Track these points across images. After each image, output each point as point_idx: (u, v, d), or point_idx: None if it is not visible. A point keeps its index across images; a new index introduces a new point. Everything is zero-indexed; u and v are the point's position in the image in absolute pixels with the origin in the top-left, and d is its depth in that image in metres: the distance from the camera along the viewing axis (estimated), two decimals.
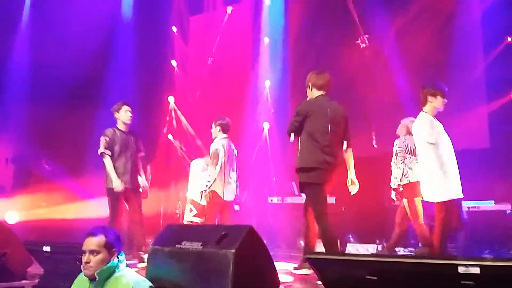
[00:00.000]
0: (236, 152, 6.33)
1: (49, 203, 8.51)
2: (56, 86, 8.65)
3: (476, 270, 2.15)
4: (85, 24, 9.13)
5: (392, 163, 6.04)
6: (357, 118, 7.30)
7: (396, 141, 6.04)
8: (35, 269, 4.41)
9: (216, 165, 5.93)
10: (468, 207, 6.86)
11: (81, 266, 2.94)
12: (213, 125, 6.27)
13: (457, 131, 7.55)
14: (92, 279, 2.95)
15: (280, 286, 3.44)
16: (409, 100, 7.45)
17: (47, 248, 3.78)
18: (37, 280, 4.18)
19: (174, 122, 10.53)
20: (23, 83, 9.20)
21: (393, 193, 6.03)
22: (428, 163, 4.63)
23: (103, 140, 5.69)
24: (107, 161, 5.65)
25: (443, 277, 2.24)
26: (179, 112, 10.64)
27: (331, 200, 8.10)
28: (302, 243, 7.87)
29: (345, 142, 4.79)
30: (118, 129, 5.84)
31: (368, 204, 7.43)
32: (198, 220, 7.21)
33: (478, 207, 7.00)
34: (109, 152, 5.66)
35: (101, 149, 5.66)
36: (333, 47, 8.84)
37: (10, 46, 9.49)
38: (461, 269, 2.17)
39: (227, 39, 10.63)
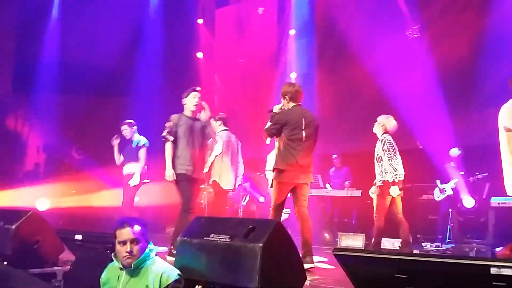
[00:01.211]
0: (239, 143, 6.90)
1: (79, 191, 8.70)
2: (85, 77, 8.82)
3: (509, 272, 2.12)
4: (113, 17, 9.26)
5: (376, 161, 5.97)
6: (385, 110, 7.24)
7: (380, 140, 5.93)
8: (67, 256, 4.52)
9: (210, 155, 6.32)
10: (498, 203, 6.74)
11: (122, 257, 3.00)
12: (212, 121, 6.54)
13: (486, 126, 7.45)
14: (126, 267, 3.03)
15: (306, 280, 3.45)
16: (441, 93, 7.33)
17: (78, 237, 3.87)
18: (68, 267, 4.28)
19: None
20: (54, 74, 9.41)
21: (375, 190, 6.00)
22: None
23: (167, 125, 5.54)
24: (168, 146, 5.50)
25: (474, 278, 2.21)
26: (204, 104, 10.67)
27: (357, 193, 8.08)
28: (327, 235, 7.92)
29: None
30: (185, 115, 5.66)
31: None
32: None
33: (507, 202, 6.86)
34: (171, 138, 5.50)
35: (164, 133, 5.52)
36: (364, 39, 8.72)
37: (41, 38, 9.68)
38: (493, 270, 2.14)
39: (253, 31, 10.60)
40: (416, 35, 8.45)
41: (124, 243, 2.99)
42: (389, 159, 5.77)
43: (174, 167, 5.47)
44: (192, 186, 5.51)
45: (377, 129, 6.05)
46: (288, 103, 5.19)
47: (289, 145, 4.98)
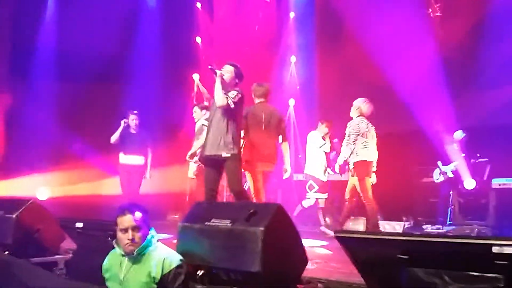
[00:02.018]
0: None
1: (79, 180, 8.69)
2: (83, 64, 8.74)
3: (511, 250, 2.11)
4: (111, 2, 9.16)
5: (343, 143, 6.25)
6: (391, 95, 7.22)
7: (349, 123, 6.17)
8: (68, 244, 4.52)
9: (199, 140, 6.30)
10: (499, 184, 6.74)
11: (124, 244, 3.00)
12: (197, 109, 6.94)
13: (489, 107, 7.42)
14: (128, 254, 3.03)
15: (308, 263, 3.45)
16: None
17: (79, 225, 3.86)
18: (70, 255, 4.29)
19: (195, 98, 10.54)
20: (51, 61, 9.33)
21: (336, 167, 6.50)
22: None
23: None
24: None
25: (476, 257, 2.20)
26: (203, 89, 10.65)
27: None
28: (327, 220, 7.93)
29: (280, 137, 5.77)
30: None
31: (395, 182, 7.36)
32: (322, 196, 7.11)
33: (508, 184, 6.86)
34: None
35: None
36: (364, 20, 8.63)
37: (37, 27, 9.60)
38: (495, 249, 2.14)
39: (252, 14, 10.50)
40: (438, 14, 8.31)
41: (125, 230, 2.99)
42: (347, 143, 6.06)
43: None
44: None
45: (353, 112, 6.22)
46: (254, 99, 5.78)
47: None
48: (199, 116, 6.88)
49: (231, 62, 5.24)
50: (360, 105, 6.16)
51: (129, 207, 3.07)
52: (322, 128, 7.11)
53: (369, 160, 6.00)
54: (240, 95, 4.90)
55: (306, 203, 7.37)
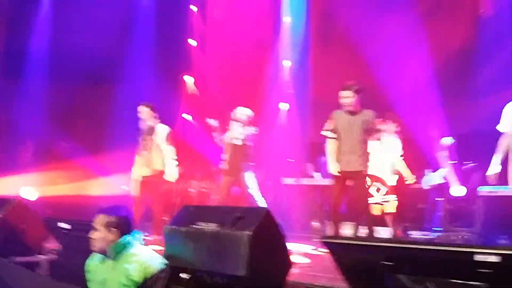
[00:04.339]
0: None
1: (67, 180, 8.63)
2: (75, 65, 8.69)
3: (492, 259, 2.12)
4: (104, 3, 9.12)
5: None
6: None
7: None
8: (52, 244, 4.48)
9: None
10: (487, 192, 6.77)
11: None
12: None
13: (480, 114, 7.46)
14: (104, 254, 3.08)
15: (293, 267, 3.45)
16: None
17: (64, 225, 3.83)
18: (53, 256, 4.25)
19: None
20: (42, 62, 9.27)
21: None
22: None
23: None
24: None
25: (459, 265, 2.21)
26: (196, 91, 10.65)
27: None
28: (316, 224, 7.92)
29: None
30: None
31: None
32: (391, 198, 6.57)
33: (495, 191, 6.89)
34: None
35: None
36: (359, 25, 8.66)
37: (30, 25, 9.54)
38: (477, 257, 2.14)
39: (246, 17, 10.49)
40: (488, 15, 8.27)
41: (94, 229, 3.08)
42: None
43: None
44: None
45: None
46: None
47: None
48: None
49: None
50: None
51: (101, 209, 3.12)
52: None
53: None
54: None
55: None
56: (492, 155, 5.54)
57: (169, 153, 6.11)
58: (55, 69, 9.12)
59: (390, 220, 6.57)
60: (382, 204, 6.51)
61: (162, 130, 6.16)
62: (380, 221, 6.32)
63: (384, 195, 6.53)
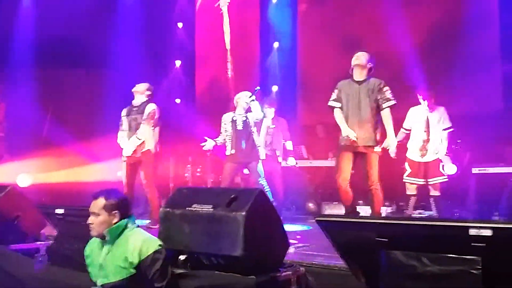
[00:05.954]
0: None
1: (59, 166, 8.58)
2: (63, 50, 8.59)
3: (486, 232, 2.15)
4: None
5: None
6: None
7: None
8: (49, 231, 4.48)
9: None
10: (479, 170, 6.84)
11: None
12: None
13: (469, 93, 7.48)
14: (102, 238, 3.08)
15: (290, 247, 3.48)
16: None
17: (60, 211, 3.83)
18: (50, 242, 4.25)
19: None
20: (30, 47, 9.11)
21: None
22: None
23: None
24: None
25: (454, 239, 2.24)
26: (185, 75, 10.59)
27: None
28: (311, 205, 7.96)
29: None
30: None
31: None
32: (418, 181, 6.53)
33: (486, 169, 6.97)
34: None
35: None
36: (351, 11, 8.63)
37: (15, 8, 9.37)
38: (472, 231, 2.17)
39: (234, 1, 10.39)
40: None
41: (91, 214, 3.07)
42: None
43: None
44: None
45: None
46: None
47: None
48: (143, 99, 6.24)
49: None
50: None
51: (97, 193, 3.12)
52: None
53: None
54: None
55: None
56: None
57: (141, 130, 5.94)
58: (43, 54, 8.95)
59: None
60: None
61: (149, 107, 6.05)
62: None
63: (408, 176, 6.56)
